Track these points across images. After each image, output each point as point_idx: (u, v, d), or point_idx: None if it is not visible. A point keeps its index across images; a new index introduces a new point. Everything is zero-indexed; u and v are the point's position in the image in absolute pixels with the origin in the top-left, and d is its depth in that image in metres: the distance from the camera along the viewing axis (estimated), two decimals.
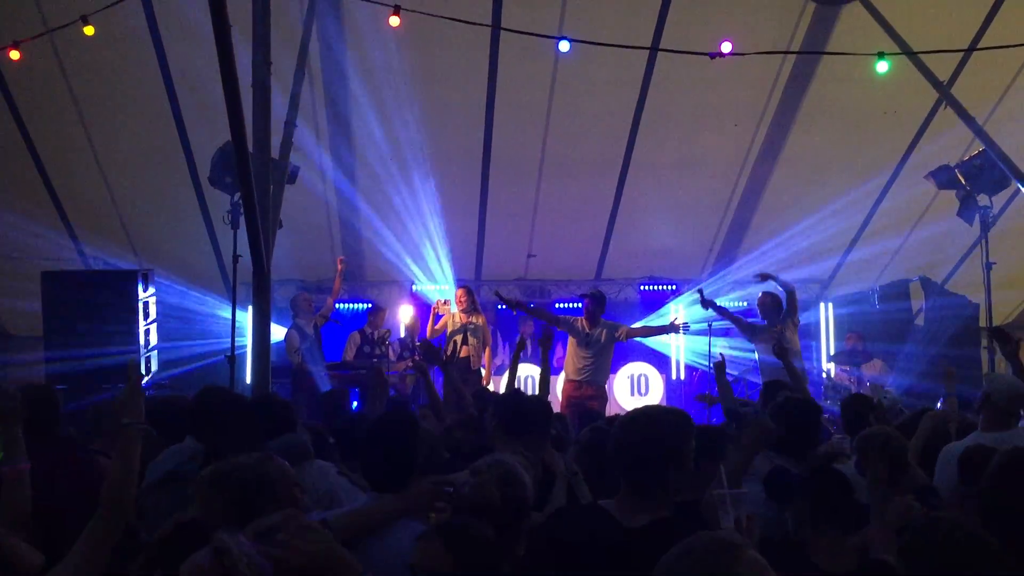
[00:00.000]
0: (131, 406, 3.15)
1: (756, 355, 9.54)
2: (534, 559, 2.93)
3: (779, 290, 9.47)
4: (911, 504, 3.56)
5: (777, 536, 3.49)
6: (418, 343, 10.29)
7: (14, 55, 8.45)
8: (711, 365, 6.85)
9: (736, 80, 9.93)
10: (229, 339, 8.59)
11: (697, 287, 9.79)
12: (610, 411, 10.92)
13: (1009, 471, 3.16)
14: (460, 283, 11.21)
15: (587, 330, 9.18)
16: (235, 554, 2.17)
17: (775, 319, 9.36)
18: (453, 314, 10.22)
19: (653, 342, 12.37)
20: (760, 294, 9.63)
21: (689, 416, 3.08)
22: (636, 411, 3.07)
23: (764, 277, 9.46)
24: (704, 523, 2.98)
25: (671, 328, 9.48)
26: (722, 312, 9.65)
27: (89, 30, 8.02)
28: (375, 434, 3.44)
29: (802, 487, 3.53)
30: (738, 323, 9.65)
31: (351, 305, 12.23)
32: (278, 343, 9.48)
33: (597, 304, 9.19)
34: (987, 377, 5.48)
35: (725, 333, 11.27)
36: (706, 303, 9.43)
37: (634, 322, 12.59)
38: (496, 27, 9.10)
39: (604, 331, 9.18)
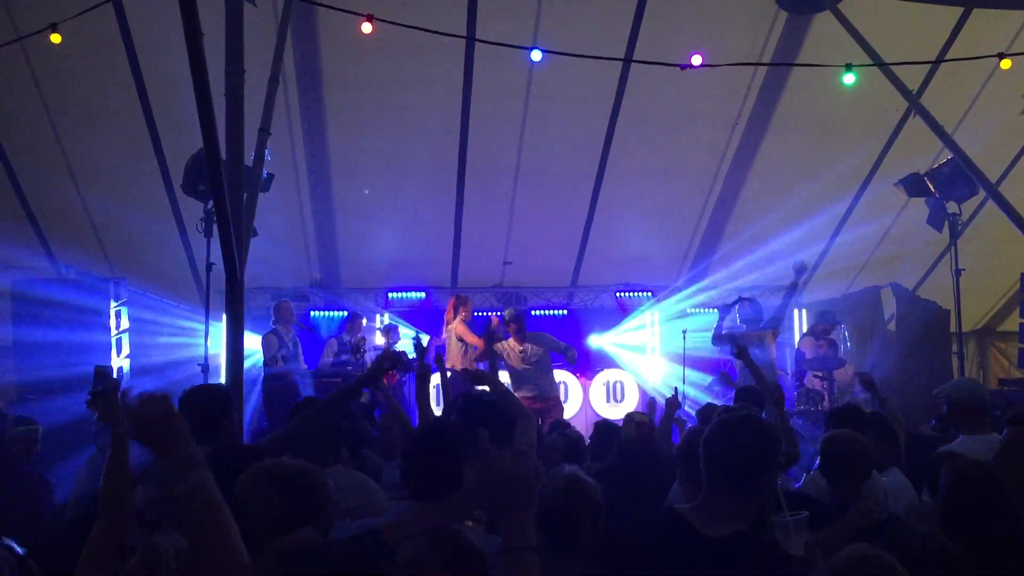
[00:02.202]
0: (111, 414, 3.12)
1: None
2: (606, 563, 2.83)
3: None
4: (871, 507, 3.59)
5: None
6: (391, 352, 10.29)
7: None
8: (669, 397, 6.77)
9: (709, 89, 10.02)
10: (202, 348, 8.54)
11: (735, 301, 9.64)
12: (588, 418, 11.02)
13: (959, 486, 3.20)
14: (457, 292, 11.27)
15: (519, 347, 9.33)
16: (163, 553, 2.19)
17: (755, 325, 9.40)
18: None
19: (631, 349, 12.49)
20: (738, 298, 9.68)
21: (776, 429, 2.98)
22: (734, 416, 2.92)
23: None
24: (773, 540, 2.89)
25: (565, 353, 9.32)
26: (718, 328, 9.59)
27: (56, 38, 7.93)
28: (420, 445, 3.46)
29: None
30: (719, 339, 9.54)
31: (327, 313, 12.19)
32: (251, 352, 9.45)
33: (518, 321, 9.41)
34: (943, 390, 5.34)
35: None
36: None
37: (610, 328, 12.70)
38: (470, 38, 9.12)
39: (532, 345, 9.37)
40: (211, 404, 4.15)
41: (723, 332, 9.55)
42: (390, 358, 4.56)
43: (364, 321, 11.29)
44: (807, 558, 2.86)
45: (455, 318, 10.34)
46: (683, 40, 9.11)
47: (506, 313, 9.65)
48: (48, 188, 10.43)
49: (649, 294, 12.87)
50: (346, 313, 11.49)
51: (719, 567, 2.54)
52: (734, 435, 2.77)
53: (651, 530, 2.79)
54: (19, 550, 2.46)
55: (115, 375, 8.92)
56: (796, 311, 12.84)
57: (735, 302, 9.50)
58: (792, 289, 9.69)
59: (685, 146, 11.08)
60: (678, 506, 2.85)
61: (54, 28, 7.92)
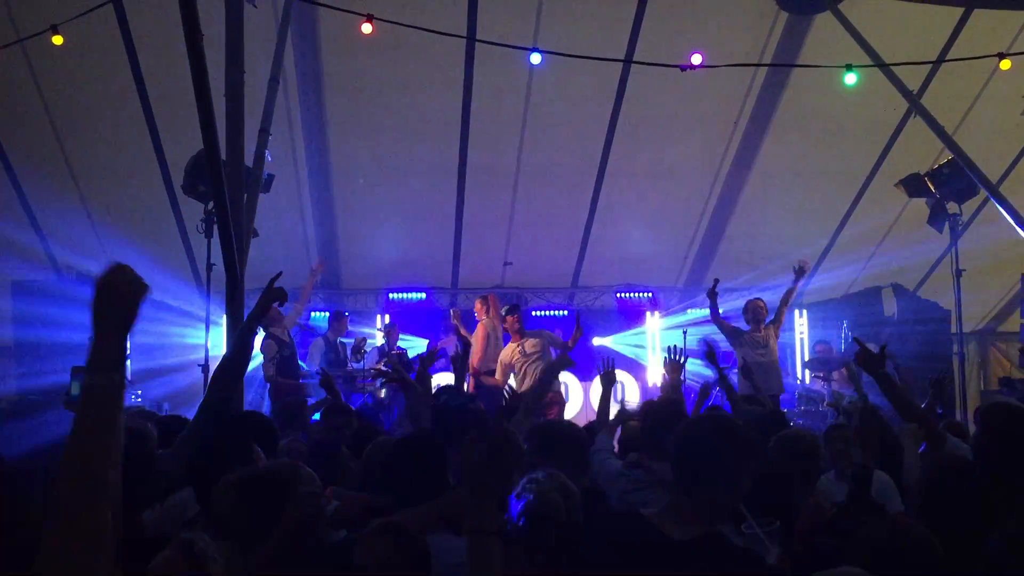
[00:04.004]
0: None
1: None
2: (573, 567, 2.80)
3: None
4: (820, 504, 3.62)
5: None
6: (394, 353, 10.29)
7: None
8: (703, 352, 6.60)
9: (710, 90, 10.02)
10: (203, 348, 8.54)
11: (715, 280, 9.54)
12: (590, 418, 11.01)
13: (936, 487, 3.21)
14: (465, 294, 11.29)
15: (516, 344, 9.42)
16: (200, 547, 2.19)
17: (758, 326, 9.39)
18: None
19: (629, 349, 12.48)
20: (748, 300, 9.65)
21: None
22: (709, 416, 2.84)
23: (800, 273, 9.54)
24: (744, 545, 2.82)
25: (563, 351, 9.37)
26: (714, 309, 9.46)
27: (58, 39, 7.94)
28: (404, 454, 3.45)
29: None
30: (722, 325, 9.56)
31: (327, 313, 12.16)
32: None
33: (514, 314, 9.55)
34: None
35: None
36: (713, 294, 9.34)
37: (612, 328, 12.73)
38: (471, 38, 9.13)
39: (534, 340, 9.43)
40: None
41: (725, 324, 9.52)
42: (275, 292, 4.27)
43: (347, 319, 11.12)
44: (778, 570, 2.83)
45: (488, 316, 10.29)
46: (683, 41, 9.12)
47: (504, 309, 9.67)
48: (49, 188, 10.43)
49: (650, 295, 12.87)
50: (328, 312, 11.39)
51: (685, 571, 2.48)
52: (703, 436, 2.70)
53: (616, 533, 2.73)
54: None
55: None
56: (796, 311, 12.84)
57: (715, 286, 9.44)
58: (792, 289, 9.68)
59: (685, 147, 11.07)
60: (644, 510, 2.78)
61: (55, 30, 7.93)
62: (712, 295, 9.33)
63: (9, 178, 10.22)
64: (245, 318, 7.00)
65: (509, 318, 9.51)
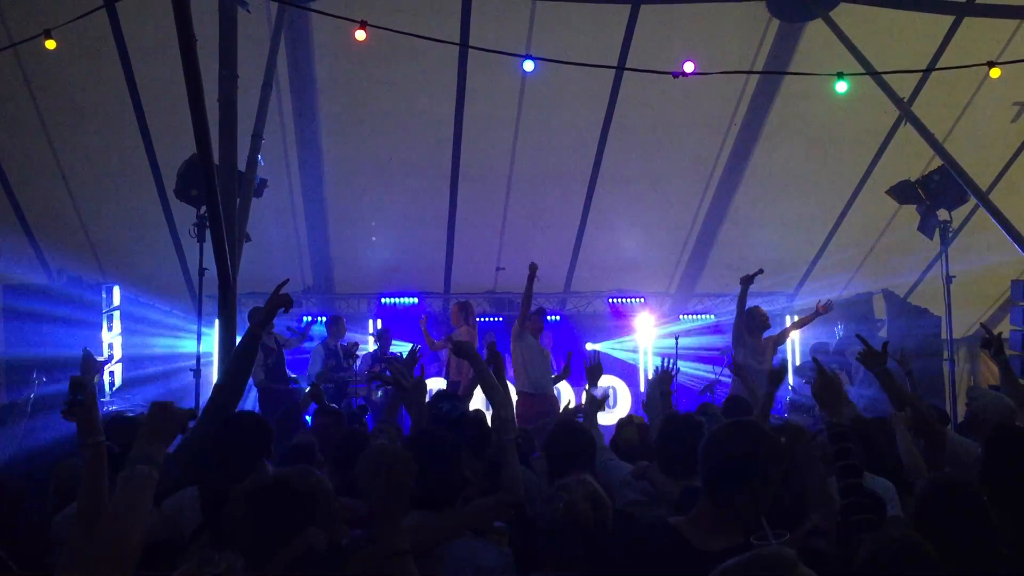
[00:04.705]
0: (88, 425, 3.11)
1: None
2: None
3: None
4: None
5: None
6: (387, 357, 10.28)
7: None
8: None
9: (702, 96, 10.07)
10: (194, 353, 8.53)
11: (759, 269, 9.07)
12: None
13: (932, 502, 3.21)
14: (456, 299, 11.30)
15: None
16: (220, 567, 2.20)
17: (759, 335, 9.34)
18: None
19: (621, 354, 12.52)
20: (752, 307, 9.60)
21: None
22: (734, 424, 2.79)
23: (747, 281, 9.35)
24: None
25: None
26: (743, 298, 9.26)
27: (50, 44, 7.92)
28: (418, 452, 3.43)
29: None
30: (737, 319, 9.41)
31: (321, 318, 12.17)
32: None
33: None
34: (970, 394, 5.47)
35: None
36: (748, 281, 8.97)
37: (603, 333, 12.77)
38: (463, 45, 9.14)
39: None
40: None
41: (741, 318, 9.31)
42: (281, 299, 4.20)
43: (344, 322, 11.13)
44: None
45: (464, 325, 10.23)
46: (675, 48, 9.17)
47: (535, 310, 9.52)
48: (41, 193, 10.42)
49: (642, 300, 12.90)
50: (325, 318, 11.37)
51: None
52: (732, 444, 2.65)
53: (644, 544, 2.68)
54: None
55: (96, 373, 8.91)
56: (787, 317, 12.87)
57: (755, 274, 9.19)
58: (806, 319, 9.74)
59: (677, 153, 11.11)
60: (672, 519, 2.74)
61: (48, 34, 7.91)
62: (746, 282, 9.10)
63: (0, 181, 10.18)
64: (238, 323, 7.02)
65: (536, 319, 9.44)
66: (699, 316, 13.08)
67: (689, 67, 7.86)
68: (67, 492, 4.15)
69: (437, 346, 10.89)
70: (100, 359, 9.01)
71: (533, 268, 8.72)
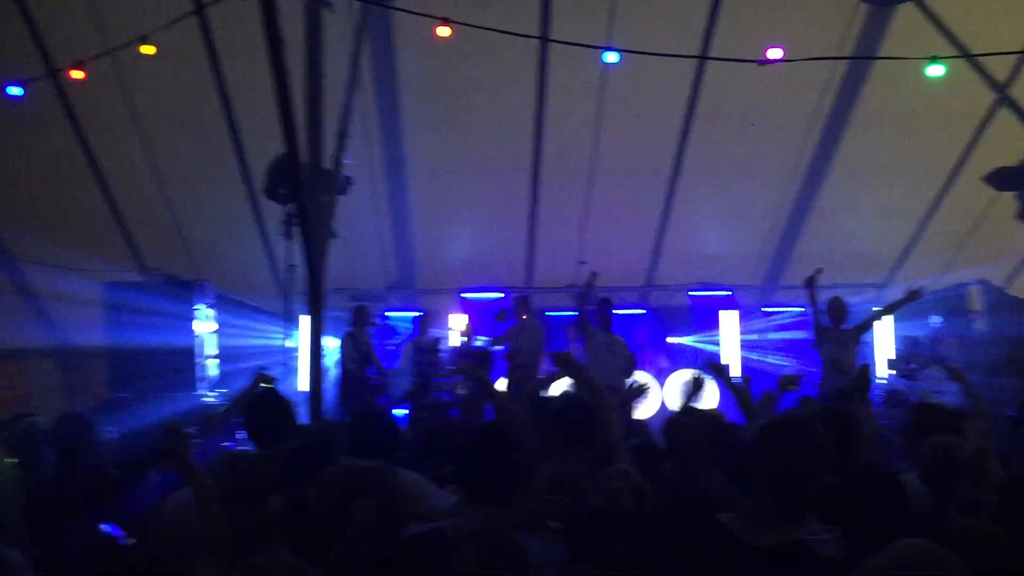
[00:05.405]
0: (186, 472, 3.21)
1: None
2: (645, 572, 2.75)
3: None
4: None
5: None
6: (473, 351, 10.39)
7: (78, 75, 8.68)
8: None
9: (788, 85, 9.83)
10: (282, 347, 8.73)
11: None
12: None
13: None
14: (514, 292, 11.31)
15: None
16: None
17: (839, 325, 9.11)
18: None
19: (706, 349, 12.36)
20: (833, 296, 9.36)
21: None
22: (785, 418, 2.75)
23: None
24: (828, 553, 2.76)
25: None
26: (811, 299, 9.09)
27: (150, 49, 8.18)
28: (475, 447, 3.43)
29: None
30: (814, 320, 9.21)
31: (403, 313, 12.32)
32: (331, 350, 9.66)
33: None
34: None
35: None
36: (811, 282, 8.83)
37: (687, 327, 12.64)
38: (543, 38, 9.14)
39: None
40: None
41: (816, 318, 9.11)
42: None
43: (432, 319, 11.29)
44: None
45: (527, 316, 10.32)
46: (760, 35, 8.96)
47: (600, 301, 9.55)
48: (136, 193, 10.79)
49: (729, 292, 12.68)
50: (418, 314, 11.53)
51: None
52: (788, 437, 2.60)
53: (692, 539, 2.64)
54: None
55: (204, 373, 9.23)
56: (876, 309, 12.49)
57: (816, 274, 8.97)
58: (895, 305, 9.35)
59: (763, 143, 10.90)
60: (720, 515, 2.68)
61: (144, 40, 8.17)
62: (811, 283, 8.94)
63: (98, 182, 10.59)
64: (325, 317, 7.18)
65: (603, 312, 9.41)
66: (785, 309, 12.77)
67: (776, 53, 7.70)
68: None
69: (501, 340, 10.88)
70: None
71: (592, 277, 8.75)
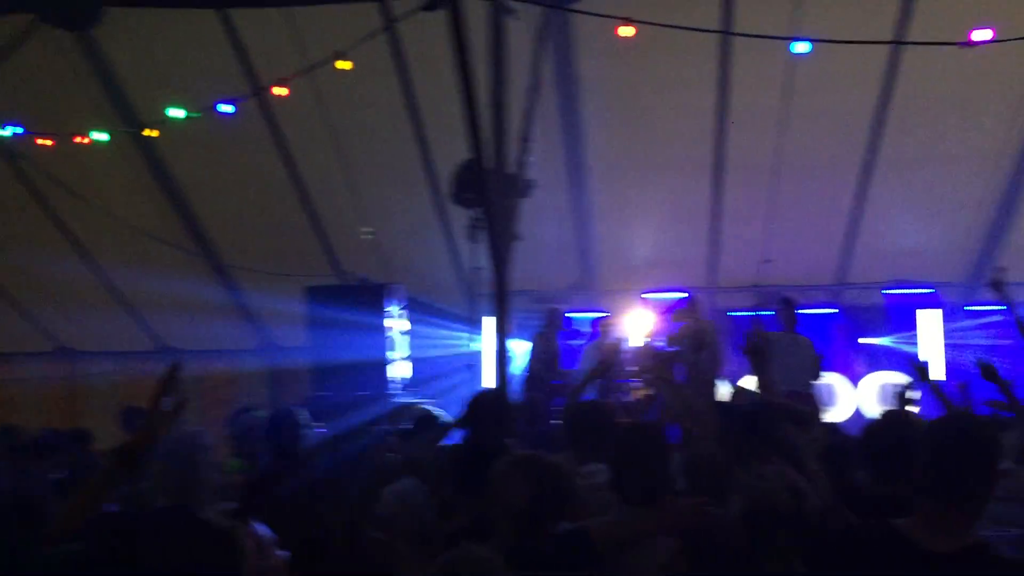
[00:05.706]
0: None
1: None
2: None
3: None
4: None
5: None
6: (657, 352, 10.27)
7: (281, 91, 9.25)
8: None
9: (995, 68, 9.15)
10: (469, 348, 8.97)
11: None
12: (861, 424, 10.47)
13: None
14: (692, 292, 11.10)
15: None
16: None
17: None
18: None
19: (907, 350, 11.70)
20: None
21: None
22: (957, 418, 2.72)
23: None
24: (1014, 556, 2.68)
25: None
26: (1003, 301, 8.32)
27: (347, 64, 8.59)
28: (627, 448, 3.46)
29: None
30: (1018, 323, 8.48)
31: (584, 314, 12.36)
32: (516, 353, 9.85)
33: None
34: None
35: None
36: (998, 284, 8.19)
37: (883, 327, 12.03)
38: (726, 32, 8.94)
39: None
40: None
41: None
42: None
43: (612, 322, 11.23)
44: None
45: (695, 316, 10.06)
46: (963, 14, 8.38)
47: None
48: (332, 201, 11.41)
49: (932, 291, 11.94)
50: (606, 314, 11.52)
51: None
52: (964, 438, 2.51)
53: (865, 545, 2.56)
54: None
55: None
56: None
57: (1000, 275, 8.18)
58: None
59: (967, 130, 10.20)
60: (894, 520, 2.60)
61: (338, 56, 8.61)
62: (997, 287, 8.23)
63: (298, 193, 11.27)
64: (511, 319, 7.33)
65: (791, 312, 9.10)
66: (992, 307, 11.87)
67: (985, 35, 7.16)
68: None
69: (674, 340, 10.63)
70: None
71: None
